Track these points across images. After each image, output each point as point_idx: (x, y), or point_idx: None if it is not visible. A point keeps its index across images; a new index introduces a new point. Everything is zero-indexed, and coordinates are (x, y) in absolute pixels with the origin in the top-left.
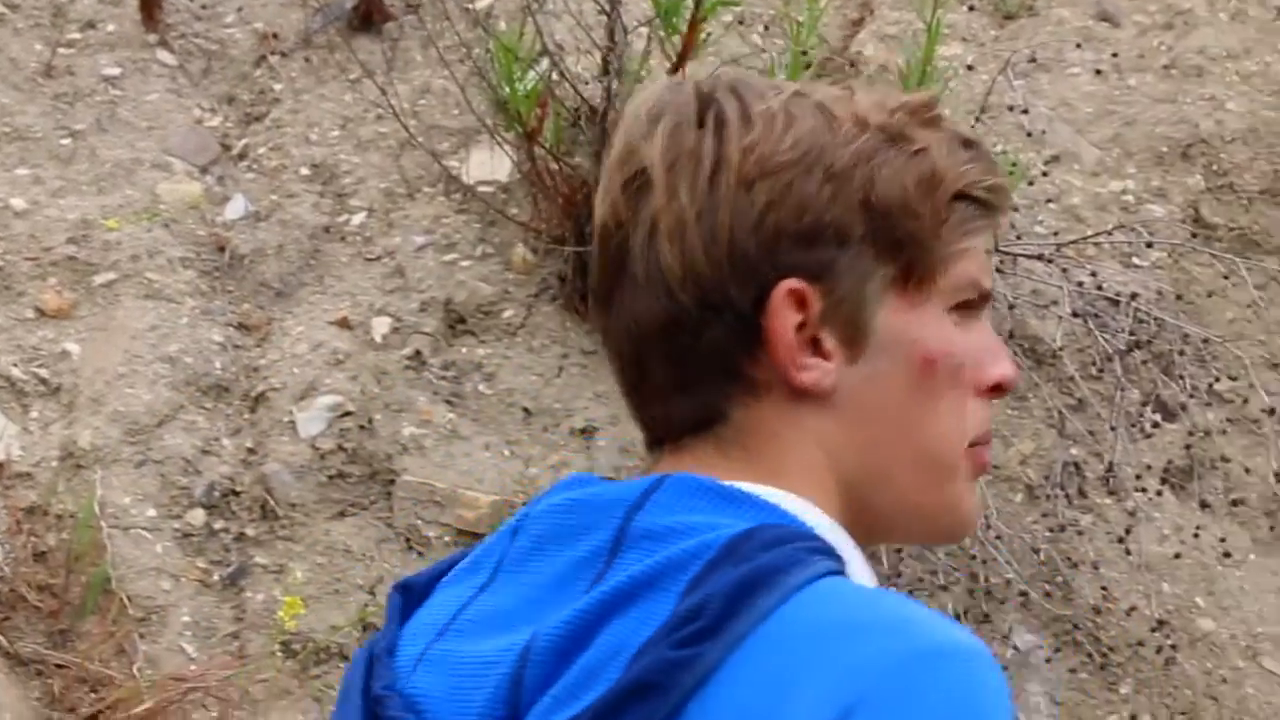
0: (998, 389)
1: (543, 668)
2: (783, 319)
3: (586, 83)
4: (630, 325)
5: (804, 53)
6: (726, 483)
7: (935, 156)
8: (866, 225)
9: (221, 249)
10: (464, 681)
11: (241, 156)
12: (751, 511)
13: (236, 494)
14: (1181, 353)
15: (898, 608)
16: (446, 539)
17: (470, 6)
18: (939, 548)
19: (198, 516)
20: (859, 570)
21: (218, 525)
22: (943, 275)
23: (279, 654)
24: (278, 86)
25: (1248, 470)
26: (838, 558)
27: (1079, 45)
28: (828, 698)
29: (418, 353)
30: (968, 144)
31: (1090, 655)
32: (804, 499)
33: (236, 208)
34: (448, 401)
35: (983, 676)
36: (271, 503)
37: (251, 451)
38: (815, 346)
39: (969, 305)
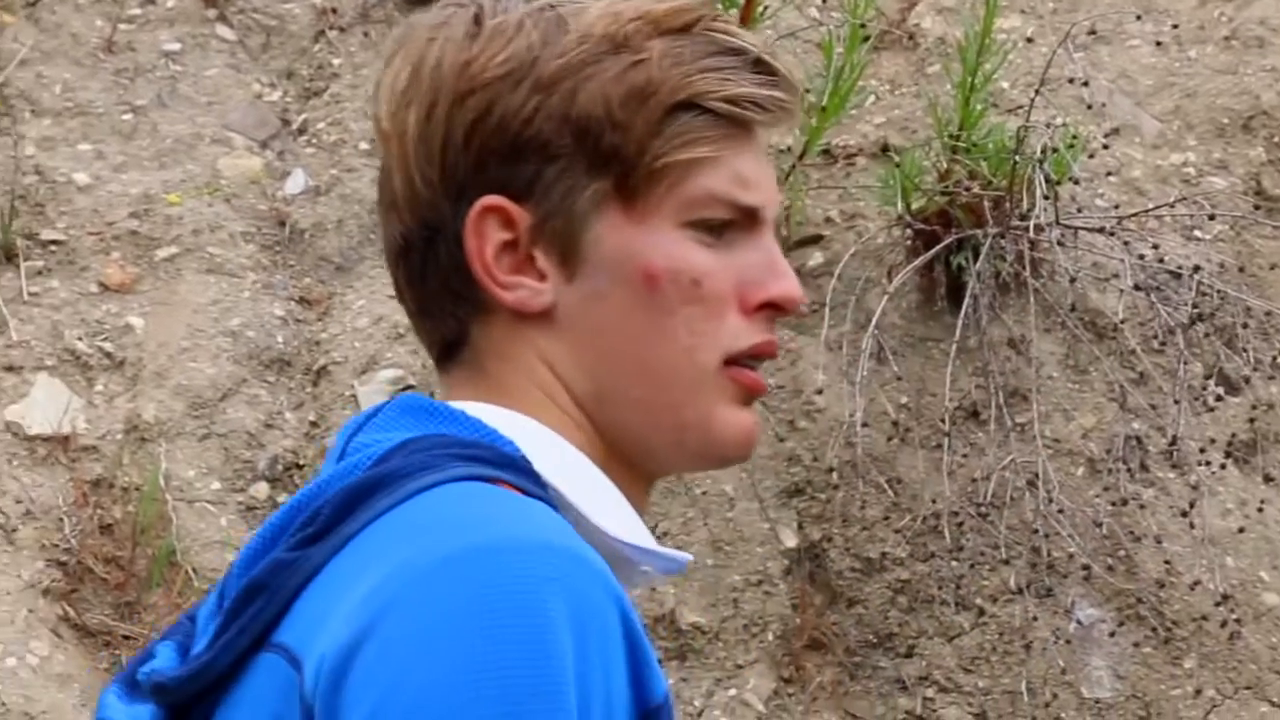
0: (772, 306)
1: (233, 582)
2: (481, 237)
3: None
4: (386, 253)
5: (862, 25)
6: (442, 402)
7: (653, 66)
8: (573, 138)
9: (282, 223)
10: (210, 601)
11: (301, 131)
12: (443, 424)
13: (300, 467)
14: (1245, 325)
15: (478, 509)
16: None
17: None
18: (1000, 522)
19: (261, 490)
20: (578, 491)
21: (281, 499)
22: (665, 189)
23: None
24: (336, 61)
25: None
26: (524, 471)
27: (1139, 17)
28: (358, 608)
29: None
30: (734, 52)
31: (1154, 629)
32: (527, 416)
33: (297, 182)
34: None
35: (509, 572)
36: None
37: (314, 425)
38: (531, 264)
39: (724, 223)
